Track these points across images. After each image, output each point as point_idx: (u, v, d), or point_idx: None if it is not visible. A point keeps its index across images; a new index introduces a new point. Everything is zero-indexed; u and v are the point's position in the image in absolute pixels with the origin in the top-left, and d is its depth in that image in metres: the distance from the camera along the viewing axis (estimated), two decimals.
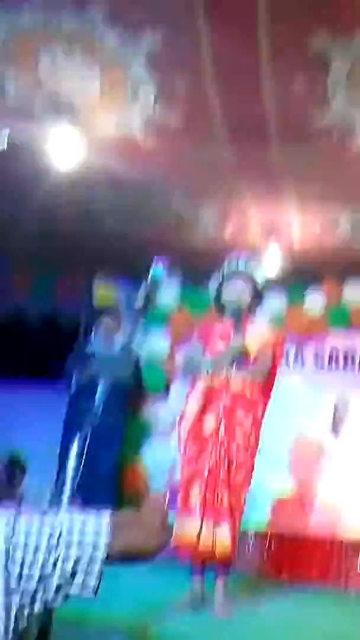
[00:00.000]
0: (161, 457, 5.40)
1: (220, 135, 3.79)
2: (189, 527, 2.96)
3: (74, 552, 1.40)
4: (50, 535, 1.39)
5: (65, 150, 3.87)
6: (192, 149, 3.97)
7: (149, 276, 2.37)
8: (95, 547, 1.41)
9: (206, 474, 3.01)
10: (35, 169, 4.13)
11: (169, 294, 5.88)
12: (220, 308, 3.30)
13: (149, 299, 2.17)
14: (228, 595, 3.04)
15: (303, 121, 3.61)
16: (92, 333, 5.17)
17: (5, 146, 3.85)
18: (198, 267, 5.63)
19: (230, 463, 3.02)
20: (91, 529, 1.42)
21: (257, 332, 3.26)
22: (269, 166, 4.11)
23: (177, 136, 3.85)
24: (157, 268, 2.40)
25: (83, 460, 4.39)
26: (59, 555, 1.39)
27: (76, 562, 1.39)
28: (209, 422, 3.08)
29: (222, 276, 3.30)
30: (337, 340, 5.49)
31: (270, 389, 3.27)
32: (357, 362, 5.46)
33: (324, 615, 3.56)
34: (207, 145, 3.90)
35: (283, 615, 3.32)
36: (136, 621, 2.41)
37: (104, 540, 1.41)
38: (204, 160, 4.10)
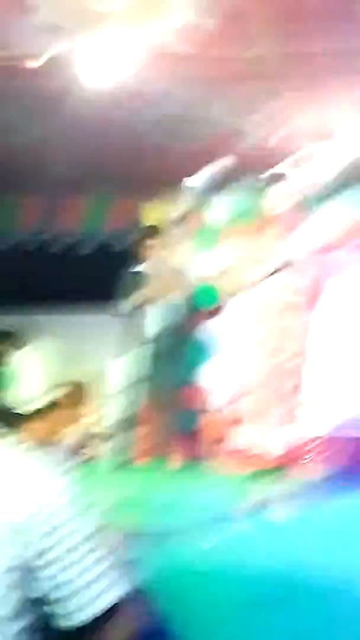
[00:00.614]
0: (220, 375, 4.86)
1: (259, 34, 3.69)
2: (244, 436, 3.03)
3: None
4: None
5: (101, 65, 3.80)
6: (231, 53, 3.88)
7: (190, 187, 2.44)
8: None
9: (259, 382, 3.07)
10: (70, 86, 4.07)
11: (218, 209, 5.15)
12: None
13: (191, 210, 2.44)
14: (289, 498, 3.06)
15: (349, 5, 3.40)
16: (145, 255, 5.10)
17: (40, 63, 3.80)
18: (248, 178, 4.98)
19: (284, 371, 3.05)
20: None
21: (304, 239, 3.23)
22: (313, 63, 3.95)
23: (214, 41, 3.76)
24: (198, 178, 2.49)
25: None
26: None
27: None
28: (259, 331, 3.13)
29: (267, 183, 3.36)
30: None
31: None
32: None
33: None
34: (247, 48, 3.80)
35: (346, 514, 3.13)
36: (196, 528, 2.48)
37: None
38: (244, 65, 3.99)
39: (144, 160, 5.25)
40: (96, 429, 1.85)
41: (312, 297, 3.18)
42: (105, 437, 1.86)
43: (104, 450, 1.90)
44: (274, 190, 3.20)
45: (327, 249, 3.24)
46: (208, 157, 4.99)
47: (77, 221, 5.93)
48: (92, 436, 1.86)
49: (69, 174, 5.32)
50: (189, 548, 2.17)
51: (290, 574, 1.90)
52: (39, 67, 3.82)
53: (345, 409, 5.15)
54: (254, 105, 4.50)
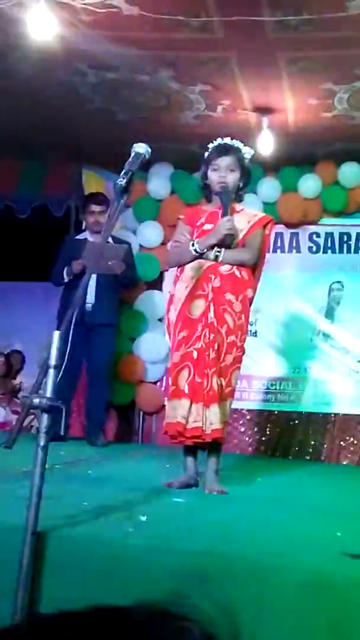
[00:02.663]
0: (157, 346, 4.98)
1: (210, 6, 3.57)
2: (179, 410, 2.95)
3: None
4: None
5: (43, 25, 3.62)
6: (180, 23, 3.71)
7: (132, 154, 2.26)
8: None
9: (195, 356, 2.96)
10: (12, 45, 3.93)
11: (160, 181, 5.18)
12: (208, 190, 3.17)
13: (131, 178, 2.51)
14: (220, 473, 3.07)
15: None
16: (83, 222, 5.10)
17: None
18: (189, 152, 4.92)
19: (219, 345, 2.97)
20: None
21: (246, 214, 3.16)
22: (261, 39, 3.82)
23: (163, 7, 3.61)
24: (140, 147, 2.29)
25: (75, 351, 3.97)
26: None
27: None
28: (198, 304, 3.01)
29: (209, 155, 3.16)
30: (333, 223, 5.54)
31: (260, 272, 3.19)
32: (353, 244, 5.51)
33: (316, 487, 3.69)
34: (196, 17, 3.67)
35: (276, 489, 3.42)
36: (132, 501, 2.52)
37: None
38: (192, 36, 3.85)
39: (85, 125, 5.10)
40: (35, 400, 1.81)
41: (255, 273, 3.15)
42: (43, 408, 1.82)
43: (41, 420, 1.86)
44: (214, 161, 3.11)
45: (268, 225, 3.21)
46: (152, 124, 4.95)
47: (13, 184, 5.68)
48: (31, 406, 1.83)
49: (6, 134, 5.11)
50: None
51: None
52: None
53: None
54: (199, 76, 4.40)
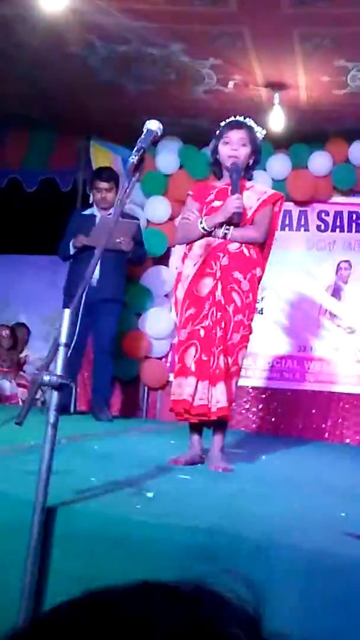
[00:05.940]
0: (163, 322, 4.98)
1: None
2: (185, 388, 2.95)
3: None
4: None
5: None
6: None
7: (144, 131, 2.25)
8: None
9: (202, 335, 2.96)
10: (22, 16, 3.91)
11: (168, 156, 5.12)
12: (217, 165, 3.12)
13: (143, 155, 2.17)
14: (226, 450, 3.08)
15: None
16: (90, 196, 5.03)
17: None
18: (198, 127, 4.85)
19: (226, 324, 2.96)
20: None
21: (255, 191, 3.12)
22: (276, 14, 3.77)
23: None
24: (152, 124, 2.28)
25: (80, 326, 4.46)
26: None
27: None
28: (206, 282, 2.99)
29: (221, 129, 3.11)
30: (342, 202, 5.52)
31: (269, 250, 3.15)
32: None
33: (321, 465, 3.74)
34: None
35: (280, 467, 3.46)
36: (138, 477, 2.52)
37: None
38: (205, 9, 3.81)
39: (94, 98, 5.04)
40: (45, 377, 1.82)
41: (264, 251, 3.14)
42: (53, 385, 1.83)
43: (51, 398, 1.87)
44: (225, 136, 3.07)
45: (278, 203, 3.18)
46: (161, 98, 4.90)
47: (21, 157, 5.66)
48: (41, 384, 1.84)
49: (13, 107, 5.07)
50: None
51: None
52: None
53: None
54: (211, 51, 4.34)
